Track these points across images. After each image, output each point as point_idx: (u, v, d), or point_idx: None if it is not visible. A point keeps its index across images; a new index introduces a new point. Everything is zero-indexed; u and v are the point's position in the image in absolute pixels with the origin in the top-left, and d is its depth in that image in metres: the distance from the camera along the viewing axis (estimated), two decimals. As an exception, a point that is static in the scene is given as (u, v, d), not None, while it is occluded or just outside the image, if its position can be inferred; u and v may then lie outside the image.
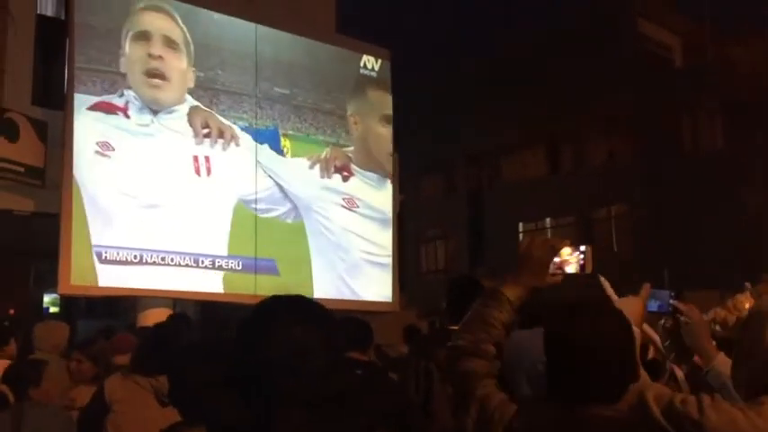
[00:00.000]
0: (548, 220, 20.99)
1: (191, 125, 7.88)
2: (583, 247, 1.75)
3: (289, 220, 8.69)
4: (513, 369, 1.80)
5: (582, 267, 1.75)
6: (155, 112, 7.68)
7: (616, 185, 18.30)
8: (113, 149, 7.30)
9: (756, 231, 14.85)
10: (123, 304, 9.46)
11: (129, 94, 7.53)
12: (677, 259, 15.54)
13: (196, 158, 7.86)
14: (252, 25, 8.78)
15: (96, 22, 7.72)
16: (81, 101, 7.32)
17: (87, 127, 7.25)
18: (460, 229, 21.95)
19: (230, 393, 1.13)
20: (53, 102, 8.22)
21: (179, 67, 7.94)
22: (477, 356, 1.66)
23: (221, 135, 8.09)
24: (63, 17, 8.46)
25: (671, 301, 2.05)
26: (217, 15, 8.51)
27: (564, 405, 1.53)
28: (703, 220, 15.97)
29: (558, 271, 1.74)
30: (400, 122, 10.71)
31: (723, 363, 1.85)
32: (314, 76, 9.43)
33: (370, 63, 10.27)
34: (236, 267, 8.29)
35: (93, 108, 7.31)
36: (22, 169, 7.96)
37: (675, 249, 16.14)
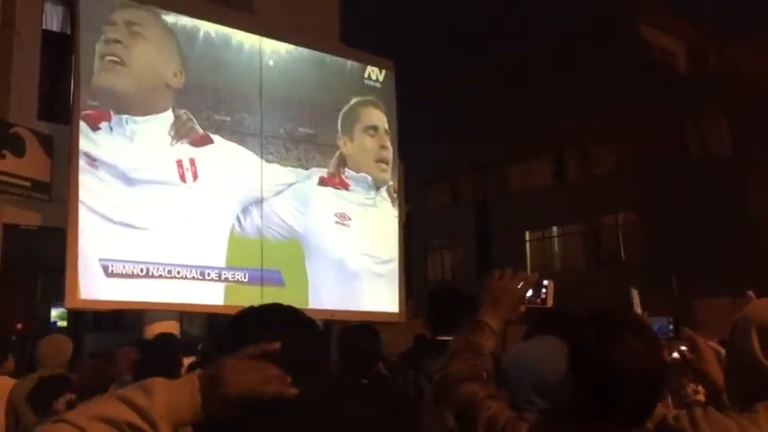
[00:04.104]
0: (554, 228, 20.93)
1: (388, 194, 10.27)
2: (546, 282, 1.77)
3: None
4: (516, 381, 1.75)
5: (543, 301, 1.76)
6: (378, 189, 9.98)
7: (623, 193, 18.22)
8: (350, 219, 9.52)
9: (766, 237, 14.72)
10: (130, 318, 9.45)
11: (353, 173, 9.73)
12: (685, 267, 15.44)
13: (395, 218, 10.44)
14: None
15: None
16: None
17: (325, 201, 9.43)
18: (467, 238, 21.86)
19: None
20: (59, 116, 8.26)
21: (391, 150, 10.26)
22: (474, 380, 1.61)
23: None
24: (69, 33, 8.52)
25: (685, 329, 2.02)
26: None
27: (584, 422, 1.44)
28: (712, 227, 15.85)
29: (526, 304, 1.75)
30: (406, 132, 10.72)
31: None
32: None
33: (374, 74, 10.30)
34: (243, 279, 8.30)
35: (322, 183, 9.39)
36: (28, 184, 7.99)
37: (684, 257, 16.03)
